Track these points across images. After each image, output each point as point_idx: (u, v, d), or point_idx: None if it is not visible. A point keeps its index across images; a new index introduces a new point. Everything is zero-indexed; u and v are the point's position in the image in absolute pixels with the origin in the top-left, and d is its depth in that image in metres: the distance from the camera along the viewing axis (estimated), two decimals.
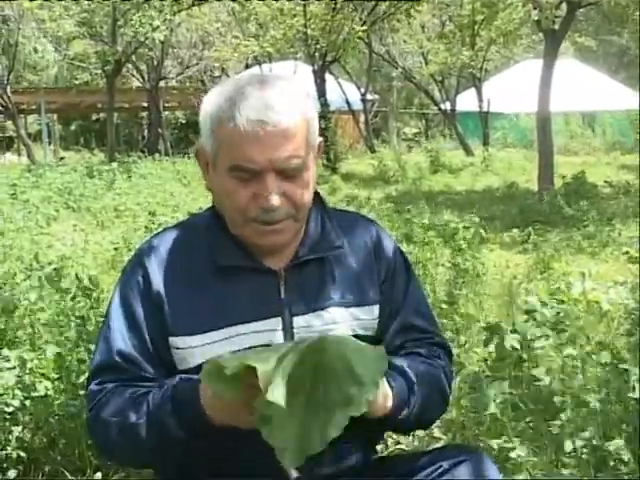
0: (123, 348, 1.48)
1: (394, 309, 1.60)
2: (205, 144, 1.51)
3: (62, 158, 22.95)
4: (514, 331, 2.73)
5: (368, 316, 1.57)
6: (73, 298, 3.55)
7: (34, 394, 2.72)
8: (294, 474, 1.21)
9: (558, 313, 2.78)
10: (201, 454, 1.44)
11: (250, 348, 1.44)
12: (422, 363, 1.57)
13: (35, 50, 30.21)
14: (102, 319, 3.18)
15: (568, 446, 2.23)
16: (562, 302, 3.12)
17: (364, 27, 18.88)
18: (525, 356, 2.73)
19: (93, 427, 1.51)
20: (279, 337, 1.49)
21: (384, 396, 1.41)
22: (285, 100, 1.44)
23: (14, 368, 2.75)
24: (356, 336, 1.53)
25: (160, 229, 1.72)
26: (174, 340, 1.48)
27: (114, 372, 1.48)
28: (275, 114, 1.42)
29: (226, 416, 1.32)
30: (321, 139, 1.58)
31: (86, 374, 2.70)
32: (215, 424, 1.34)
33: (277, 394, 1.15)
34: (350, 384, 1.20)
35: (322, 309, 1.52)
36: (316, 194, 1.60)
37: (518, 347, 2.68)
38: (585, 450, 2.22)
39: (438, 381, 1.59)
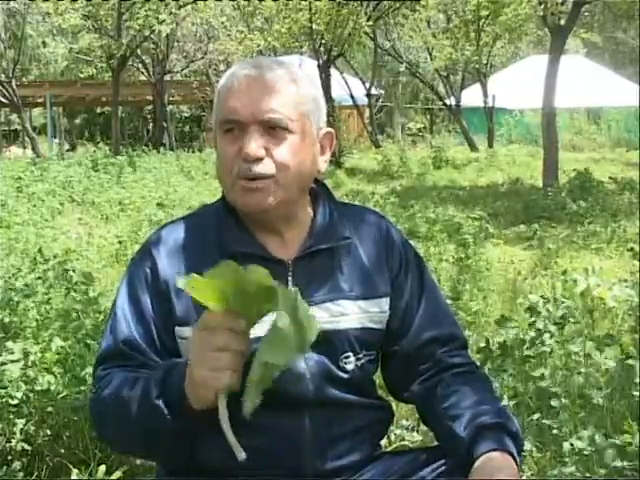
0: (128, 336, 1.49)
1: (409, 308, 1.60)
2: (214, 123, 1.55)
3: (69, 149, 23.02)
4: (517, 327, 2.73)
5: (377, 309, 1.56)
6: (76, 292, 3.56)
7: (38, 387, 2.73)
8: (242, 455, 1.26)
9: (564, 310, 2.77)
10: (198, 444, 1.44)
11: (258, 338, 1.44)
12: (471, 382, 1.56)
13: (44, 44, 30.25)
14: (104, 311, 3.23)
15: (570, 444, 2.23)
16: (566, 298, 3.12)
17: (369, 22, 18.88)
18: (529, 352, 2.73)
19: (92, 407, 1.52)
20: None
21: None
22: (276, 63, 1.53)
23: (18, 361, 2.76)
24: (365, 329, 1.54)
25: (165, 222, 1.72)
26: (181, 330, 1.48)
27: (119, 359, 1.49)
28: (261, 70, 1.49)
29: (201, 398, 1.30)
30: (331, 129, 1.58)
31: (90, 368, 2.73)
32: (196, 411, 1.32)
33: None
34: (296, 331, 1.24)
35: (330, 301, 1.51)
36: (323, 186, 1.61)
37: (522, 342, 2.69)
38: (588, 447, 2.22)
39: (490, 387, 1.60)
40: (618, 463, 2.10)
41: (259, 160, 1.46)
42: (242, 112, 1.46)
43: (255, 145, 1.45)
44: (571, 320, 2.80)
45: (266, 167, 1.46)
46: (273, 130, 1.47)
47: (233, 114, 1.47)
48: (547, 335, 2.74)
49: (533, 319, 2.81)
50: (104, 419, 1.48)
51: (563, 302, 2.93)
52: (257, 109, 1.46)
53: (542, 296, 3.00)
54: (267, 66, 1.51)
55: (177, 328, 1.49)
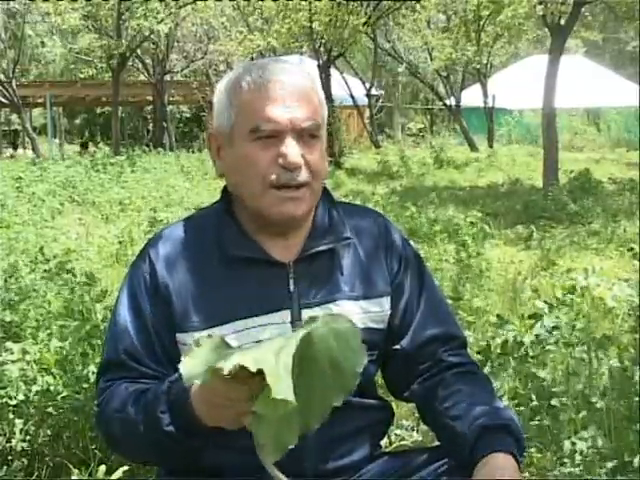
0: (129, 346, 1.48)
1: (409, 307, 1.59)
2: (220, 122, 1.51)
3: (84, 145, 23.08)
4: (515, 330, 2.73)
5: (378, 309, 1.55)
6: (76, 292, 3.56)
7: (38, 387, 2.73)
8: (281, 477, 1.20)
9: (566, 313, 2.77)
10: (201, 451, 1.44)
11: (259, 342, 1.44)
12: (473, 382, 1.56)
13: (43, 44, 30.25)
14: (104, 310, 3.23)
15: (570, 445, 2.23)
16: (568, 296, 3.12)
17: (369, 22, 18.88)
18: (530, 352, 2.72)
19: (99, 422, 1.53)
20: (288, 330, 1.46)
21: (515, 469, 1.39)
22: (300, 67, 1.54)
23: (18, 361, 2.76)
24: (367, 329, 1.52)
25: (164, 223, 1.71)
26: (182, 336, 1.47)
27: (121, 370, 1.48)
28: (293, 76, 1.48)
29: (213, 416, 1.30)
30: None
31: (90, 367, 2.73)
32: (204, 424, 1.32)
33: (286, 391, 1.09)
34: (332, 376, 1.18)
35: (331, 302, 1.50)
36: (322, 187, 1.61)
37: (525, 343, 2.68)
38: (589, 449, 2.21)
39: (491, 387, 1.60)
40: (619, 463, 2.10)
41: (299, 168, 1.45)
42: (280, 120, 1.44)
43: (297, 153, 1.44)
44: (574, 323, 2.79)
45: (305, 175, 1.46)
46: (304, 137, 1.46)
47: (270, 122, 1.44)
48: (552, 339, 2.73)
49: (539, 325, 2.80)
50: (112, 434, 1.49)
51: (564, 304, 2.93)
52: (295, 117, 1.44)
53: (546, 301, 2.99)
54: (290, 70, 1.49)
55: (178, 334, 1.48)
